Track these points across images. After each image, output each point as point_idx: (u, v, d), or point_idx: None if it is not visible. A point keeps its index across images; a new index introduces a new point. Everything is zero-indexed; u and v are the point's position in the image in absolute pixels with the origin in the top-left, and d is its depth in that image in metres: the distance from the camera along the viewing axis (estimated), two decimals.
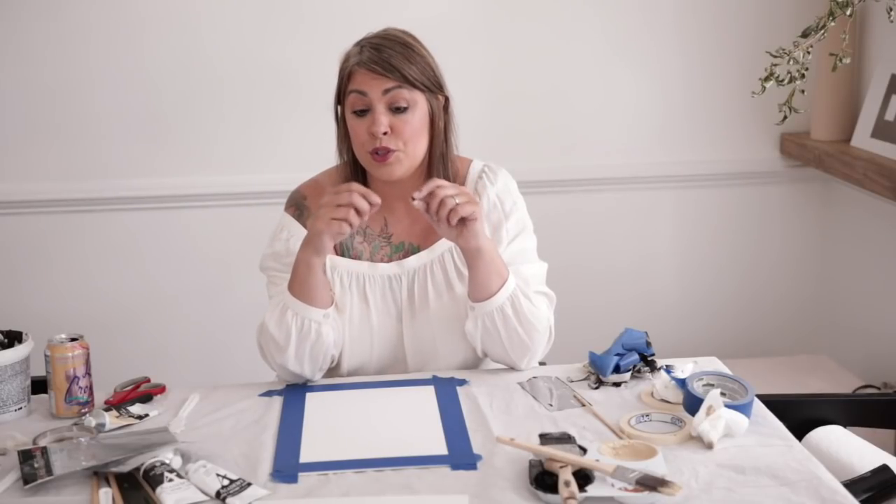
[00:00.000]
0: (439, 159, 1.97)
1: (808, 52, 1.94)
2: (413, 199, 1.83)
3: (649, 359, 1.90)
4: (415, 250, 1.99)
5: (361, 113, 1.90)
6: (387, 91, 1.88)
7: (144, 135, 3.12)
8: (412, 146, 1.91)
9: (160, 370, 2.16)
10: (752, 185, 3.33)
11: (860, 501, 1.52)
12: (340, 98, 1.95)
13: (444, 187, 1.83)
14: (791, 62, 1.94)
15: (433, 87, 1.93)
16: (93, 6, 3.04)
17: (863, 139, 3.01)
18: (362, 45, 1.93)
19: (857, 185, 2.94)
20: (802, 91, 1.98)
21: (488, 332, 1.91)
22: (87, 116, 3.09)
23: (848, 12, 1.92)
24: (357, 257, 1.99)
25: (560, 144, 3.24)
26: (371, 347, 1.97)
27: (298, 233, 1.96)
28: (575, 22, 3.18)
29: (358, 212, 1.80)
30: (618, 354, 1.86)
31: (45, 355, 1.80)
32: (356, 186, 1.81)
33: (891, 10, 1.98)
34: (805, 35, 1.94)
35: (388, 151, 1.89)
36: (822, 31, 1.93)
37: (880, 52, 3.03)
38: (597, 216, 3.29)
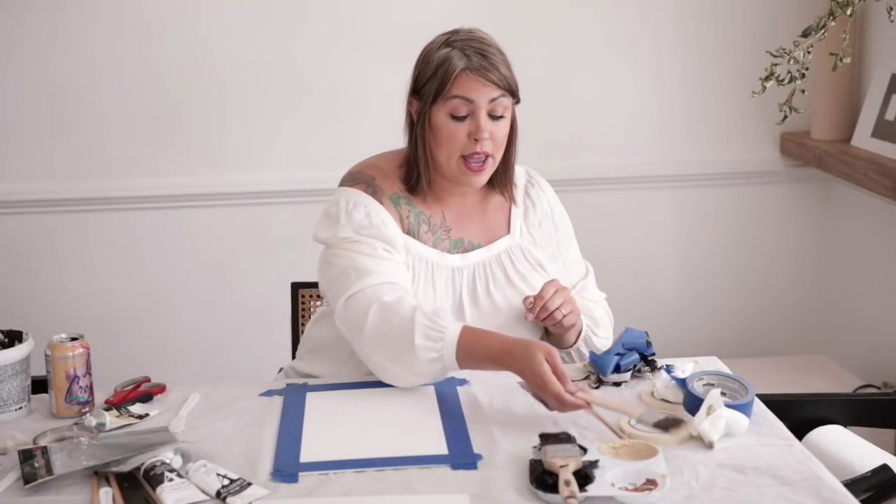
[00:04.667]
0: (506, 162, 2.01)
1: (809, 52, 1.94)
2: (528, 318, 1.93)
3: (650, 358, 1.90)
4: (474, 247, 2.02)
5: (462, 118, 1.92)
6: (493, 99, 1.92)
7: (146, 134, 3.13)
8: (499, 152, 1.97)
9: (160, 370, 2.16)
10: (752, 185, 3.33)
11: (860, 501, 1.52)
12: (433, 97, 1.92)
13: (554, 297, 1.91)
14: (791, 62, 1.94)
15: (517, 95, 1.98)
16: (96, 5, 3.04)
17: (863, 139, 3.01)
18: (462, 48, 1.92)
19: (857, 185, 2.94)
20: (803, 91, 1.98)
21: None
22: (89, 116, 3.10)
23: (848, 12, 1.92)
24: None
25: (559, 144, 3.24)
26: None
27: (376, 209, 1.95)
28: (574, 22, 3.18)
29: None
30: (618, 354, 1.86)
31: (46, 355, 1.80)
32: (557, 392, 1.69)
33: (891, 9, 1.98)
34: (805, 35, 1.94)
35: (486, 158, 1.93)
36: (823, 31, 1.94)
37: (880, 51, 3.03)
38: (597, 216, 3.29)
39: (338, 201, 1.97)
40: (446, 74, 1.91)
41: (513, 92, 1.95)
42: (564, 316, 1.92)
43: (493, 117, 1.93)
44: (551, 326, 1.96)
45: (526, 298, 1.96)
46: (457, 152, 1.93)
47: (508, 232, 2.05)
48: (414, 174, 1.98)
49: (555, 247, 2.09)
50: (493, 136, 1.92)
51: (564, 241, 2.11)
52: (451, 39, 1.95)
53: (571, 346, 2.01)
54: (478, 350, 1.79)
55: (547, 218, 2.09)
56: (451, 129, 1.92)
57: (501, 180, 2.03)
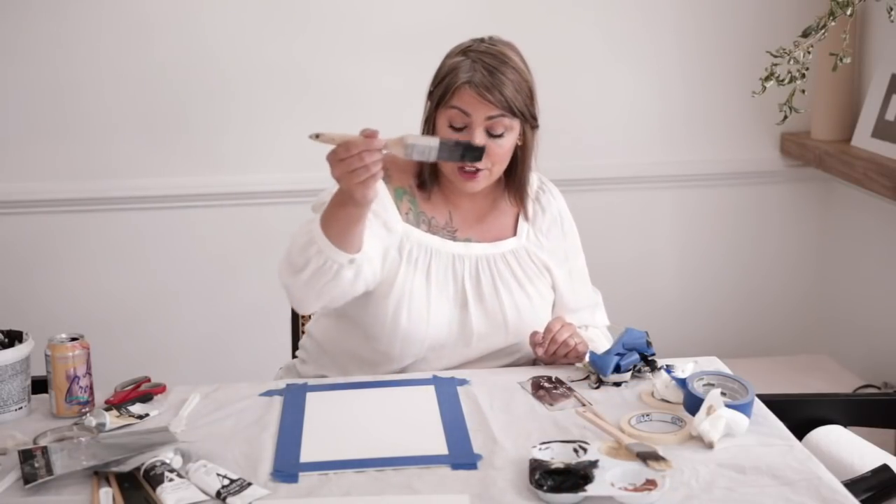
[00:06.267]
0: (516, 174, 2.02)
1: (809, 52, 1.94)
2: (537, 353, 1.96)
3: (650, 358, 1.90)
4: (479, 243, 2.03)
5: (459, 128, 1.92)
6: (490, 118, 1.91)
7: (148, 134, 3.12)
8: (499, 167, 1.97)
9: (161, 369, 2.16)
10: (752, 185, 3.33)
11: (860, 501, 1.52)
12: (438, 100, 1.94)
13: (562, 331, 1.93)
14: (791, 62, 1.94)
15: (530, 111, 1.96)
16: (98, 5, 3.04)
17: (863, 139, 3.01)
18: (473, 59, 1.92)
19: (858, 185, 2.94)
20: (803, 91, 1.99)
21: None
22: (91, 116, 3.10)
23: (848, 12, 1.93)
24: None
25: (559, 144, 3.23)
26: (427, 325, 1.97)
27: (383, 190, 1.95)
28: (574, 22, 3.18)
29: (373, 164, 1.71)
30: (618, 354, 1.87)
31: (46, 355, 1.80)
32: (358, 143, 1.68)
33: (891, 9, 1.98)
34: (805, 35, 1.95)
35: (478, 171, 1.93)
36: (823, 31, 1.94)
37: (881, 51, 3.03)
38: (597, 216, 3.29)
39: None
40: (449, 84, 1.91)
41: (514, 113, 1.92)
42: (577, 344, 1.94)
43: (492, 135, 1.92)
44: (563, 360, 1.96)
45: (534, 334, 1.97)
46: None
47: (515, 234, 2.06)
48: (424, 169, 2.00)
49: (562, 254, 2.09)
50: (488, 151, 1.90)
51: (572, 251, 2.12)
52: (470, 48, 1.95)
53: None
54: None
55: (556, 224, 2.09)
56: (448, 135, 1.92)
57: (516, 193, 2.05)
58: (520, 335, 2.00)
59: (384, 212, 1.96)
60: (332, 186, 1.84)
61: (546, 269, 2.06)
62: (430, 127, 1.98)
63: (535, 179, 2.11)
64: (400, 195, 2.00)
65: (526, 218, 2.07)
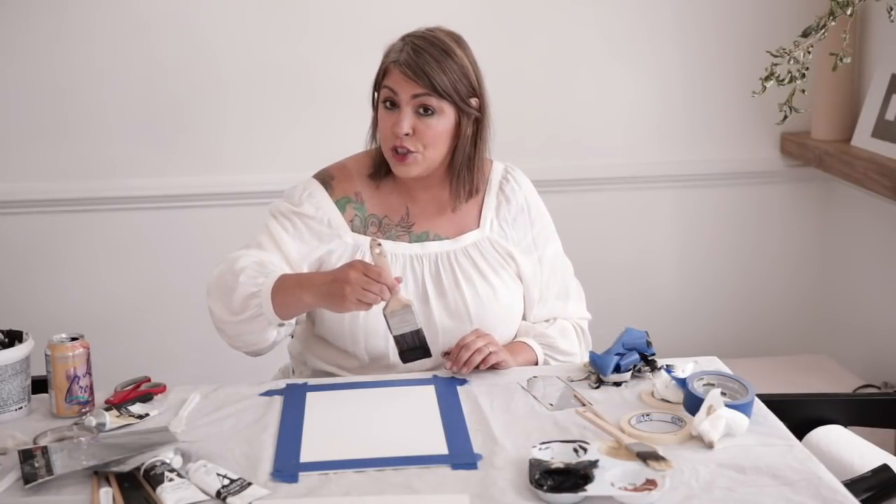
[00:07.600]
0: (464, 164, 2.02)
1: (809, 52, 1.94)
2: (446, 366, 1.94)
3: (650, 358, 1.90)
4: (440, 240, 2.03)
5: (392, 106, 1.95)
6: (416, 96, 1.93)
7: (149, 134, 3.12)
8: (431, 150, 1.96)
9: (161, 369, 2.16)
10: (753, 185, 3.33)
11: (860, 501, 1.52)
12: (376, 84, 1.99)
13: (469, 346, 1.91)
14: (791, 62, 1.94)
15: (463, 97, 1.96)
16: (98, 5, 3.04)
17: (863, 139, 3.01)
18: (405, 41, 1.97)
19: (858, 185, 2.94)
20: (803, 91, 1.99)
21: None
22: (91, 116, 3.09)
23: (848, 12, 1.92)
24: None
25: (559, 144, 3.23)
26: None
27: (319, 194, 2.03)
28: (574, 22, 3.18)
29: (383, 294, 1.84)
30: (618, 354, 1.86)
31: (46, 355, 1.80)
32: (387, 279, 1.82)
33: (891, 9, 1.98)
34: (805, 34, 1.94)
35: (408, 152, 1.95)
36: (823, 31, 1.94)
37: (881, 51, 3.03)
38: (597, 216, 3.29)
39: (303, 185, 2.06)
40: (383, 64, 1.97)
41: (444, 95, 1.93)
42: (492, 353, 1.91)
43: (422, 114, 1.94)
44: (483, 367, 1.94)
45: (444, 353, 1.96)
46: (385, 141, 1.97)
47: (478, 226, 2.05)
48: (381, 167, 2.04)
49: (530, 242, 2.08)
50: (417, 132, 1.94)
51: (541, 237, 2.10)
52: (409, 33, 1.99)
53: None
54: (292, 279, 1.91)
55: (522, 213, 2.08)
56: (382, 116, 1.98)
57: (461, 180, 2.03)
58: (485, 325, 1.99)
59: (328, 227, 2.01)
60: (302, 189, 2.02)
61: (511, 258, 2.05)
62: (375, 110, 2.02)
63: (500, 169, 2.11)
64: (343, 205, 2.03)
65: (454, 204, 2.04)
